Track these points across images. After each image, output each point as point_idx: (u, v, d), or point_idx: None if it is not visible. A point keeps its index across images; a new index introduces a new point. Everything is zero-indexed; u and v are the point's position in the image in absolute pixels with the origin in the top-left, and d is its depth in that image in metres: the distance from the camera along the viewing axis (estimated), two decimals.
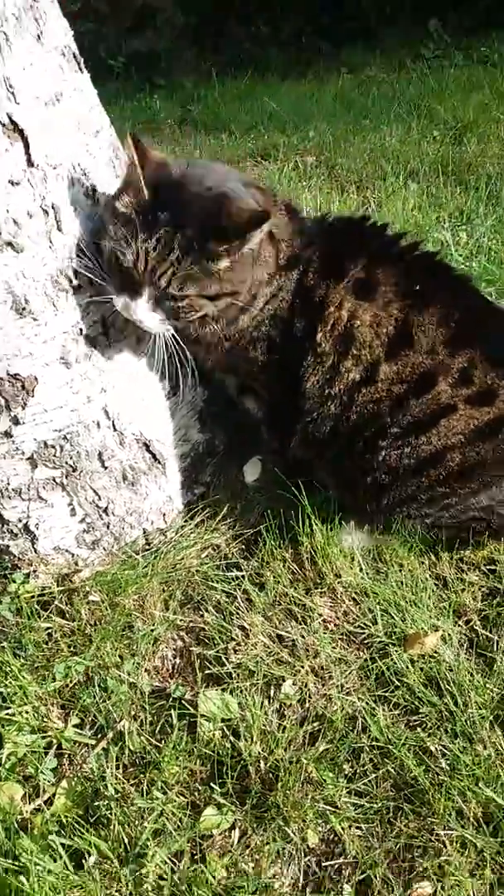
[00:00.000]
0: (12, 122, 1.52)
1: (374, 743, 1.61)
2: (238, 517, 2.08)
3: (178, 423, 2.07)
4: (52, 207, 1.64)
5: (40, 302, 1.67)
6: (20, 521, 1.91)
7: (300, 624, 1.83)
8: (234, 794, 1.58)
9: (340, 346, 1.74)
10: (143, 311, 1.62)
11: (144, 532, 2.05)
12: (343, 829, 1.52)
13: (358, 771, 1.59)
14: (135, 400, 1.93)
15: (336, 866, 1.49)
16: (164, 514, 2.08)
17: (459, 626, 1.80)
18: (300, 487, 1.92)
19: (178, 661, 1.85)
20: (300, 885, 1.49)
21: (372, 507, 1.84)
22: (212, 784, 1.59)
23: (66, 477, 1.88)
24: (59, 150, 1.64)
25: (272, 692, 1.73)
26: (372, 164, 4.19)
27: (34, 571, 1.99)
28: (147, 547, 2.05)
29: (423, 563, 1.91)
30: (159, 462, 2.02)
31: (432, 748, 1.58)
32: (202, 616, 1.88)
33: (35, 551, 1.97)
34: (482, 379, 1.70)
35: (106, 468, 1.91)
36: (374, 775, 1.57)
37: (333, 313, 1.74)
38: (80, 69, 1.75)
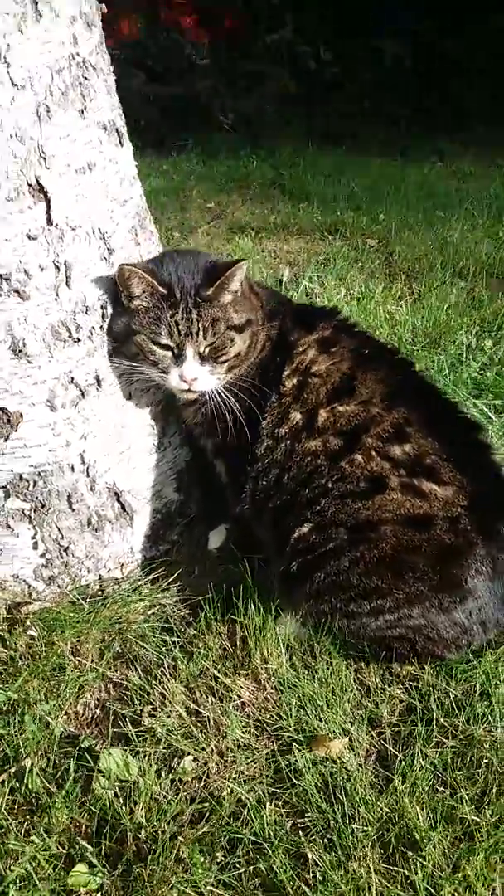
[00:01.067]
0: (39, 184, 1.66)
1: (253, 837, 1.61)
2: (192, 582, 2.13)
3: (156, 479, 2.15)
4: (65, 264, 1.76)
5: (37, 347, 1.78)
6: None
7: (218, 701, 1.85)
8: (109, 856, 1.59)
9: (296, 389, 1.93)
10: (195, 368, 1.86)
11: (100, 578, 2.12)
12: None
13: (231, 862, 1.58)
14: (116, 450, 2.03)
15: None
16: (123, 565, 2.14)
17: (371, 736, 1.79)
18: (249, 564, 1.96)
19: (98, 711, 1.89)
20: None
21: (308, 585, 1.86)
22: (91, 841, 1.61)
23: (35, 511, 1.96)
24: (82, 214, 1.77)
25: (174, 763, 1.75)
26: (428, 256, 4.27)
27: None
28: (100, 593, 2.11)
29: (350, 665, 1.92)
30: (128, 513, 2.10)
31: (309, 856, 1.57)
32: (130, 673, 1.92)
33: None
34: (416, 441, 1.82)
35: (73, 510, 2.00)
36: (244, 870, 1.57)
37: (300, 354, 1.95)
38: (121, 143, 1.89)
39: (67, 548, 2.04)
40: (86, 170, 1.76)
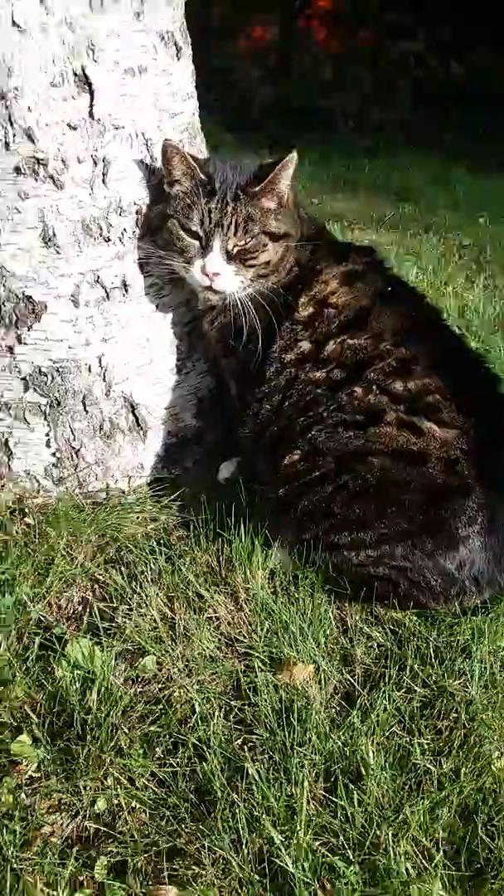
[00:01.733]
0: (84, 75, 1.71)
1: (198, 743, 1.57)
2: (196, 505, 2.11)
3: (175, 401, 2.15)
4: (103, 160, 1.80)
5: (67, 239, 1.83)
6: (2, 435, 2.06)
7: (194, 613, 1.82)
8: (54, 735, 1.60)
9: (310, 317, 1.88)
10: (219, 262, 1.81)
11: (108, 487, 2.14)
12: (129, 806, 1.49)
13: (169, 762, 1.55)
14: (136, 361, 2.05)
15: (105, 835, 1.46)
16: (130, 478, 2.15)
17: (342, 673, 1.72)
18: (251, 492, 1.93)
19: (79, 608, 1.90)
20: (69, 843, 1.47)
21: (292, 513, 1.82)
22: (42, 719, 1.61)
23: (51, 407, 2.01)
24: (127, 115, 1.81)
25: (137, 662, 1.73)
26: None
27: (2, 486, 2.12)
28: (105, 501, 2.13)
29: (333, 602, 1.85)
30: (141, 427, 2.11)
31: (249, 770, 1.52)
32: (115, 574, 1.92)
33: (9, 468, 2.11)
34: (420, 379, 1.76)
35: (87, 413, 2.03)
36: (181, 770, 1.53)
37: (320, 283, 1.90)
38: (178, 57, 1.92)
39: (78, 450, 2.07)
40: (136, 72, 1.81)
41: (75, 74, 1.71)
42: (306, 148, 7.50)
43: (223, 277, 1.82)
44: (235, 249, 1.81)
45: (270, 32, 8.55)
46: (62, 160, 1.76)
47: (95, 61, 1.72)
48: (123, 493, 2.15)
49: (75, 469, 2.09)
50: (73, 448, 2.06)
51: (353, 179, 6.29)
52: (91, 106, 1.75)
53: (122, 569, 1.94)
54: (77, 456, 2.08)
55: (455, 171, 6.51)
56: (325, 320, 1.87)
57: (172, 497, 2.14)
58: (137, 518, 2.09)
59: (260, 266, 1.85)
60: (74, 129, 1.75)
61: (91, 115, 1.75)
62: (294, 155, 1.81)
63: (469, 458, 1.71)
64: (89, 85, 1.73)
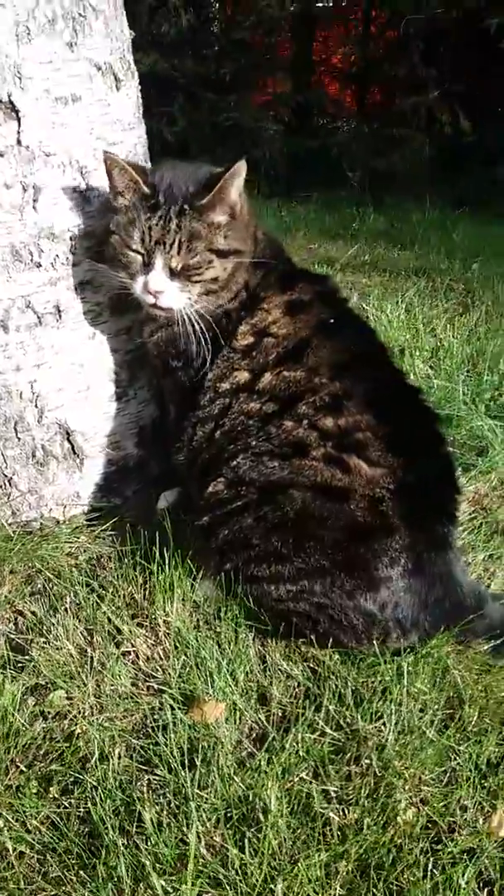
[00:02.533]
0: (10, 101, 1.72)
1: (98, 785, 1.49)
2: (131, 537, 2.06)
3: (115, 428, 2.12)
4: (33, 187, 1.80)
5: None
6: None
7: (113, 647, 1.75)
8: None
9: (248, 347, 1.82)
10: (161, 280, 1.74)
11: (41, 516, 2.10)
12: (17, 851, 1.41)
13: (65, 802, 1.48)
14: (72, 388, 2.02)
15: None
16: (65, 507, 2.11)
17: (257, 712, 1.64)
18: (179, 522, 1.88)
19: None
20: None
21: (213, 541, 1.76)
22: None
23: None
24: (59, 143, 1.81)
25: (45, 696, 1.67)
26: None
27: None
28: (39, 532, 2.08)
29: (256, 637, 1.77)
30: (77, 455, 2.07)
31: (145, 815, 1.43)
32: (37, 607, 1.87)
33: None
34: (352, 416, 1.69)
35: (19, 439, 2.00)
36: (75, 812, 1.46)
37: (263, 311, 1.84)
38: (118, 88, 1.93)
39: (10, 478, 2.04)
40: (68, 101, 1.81)
41: (1, 102, 1.72)
42: (314, 197, 7.67)
43: (167, 294, 1.75)
44: (179, 266, 1.74)
45: (283, 86, 8.76)
46: None
47: (22, 89, 1.73)
48: (58, 522, 2.11)
49: (8, 497, 2.05)
50: (6, 476, 2.03)
51: (356, 228, 6.32)
52: (19, 133, 1.75)
53: (45, 601, 1.89)
54: (10, 484, 2.04)
55: (459, 219, 6.52)
56: (263, 351, 1.81)
57: (105, 527, 2.09)
58: (68, 548, 2.03)
59: (207, 282, 1.78)
60: (1, 155, 1.75)
61: (19, 142, 1.76)
62: (242, 162, 1.72)
63: (395, 497, 1.64)
64: (16, 112, 1.73)
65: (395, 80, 8.36)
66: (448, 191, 7.77)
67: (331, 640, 1.68)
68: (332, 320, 1.85)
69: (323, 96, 9.07)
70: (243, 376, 1.81)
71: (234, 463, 1.74)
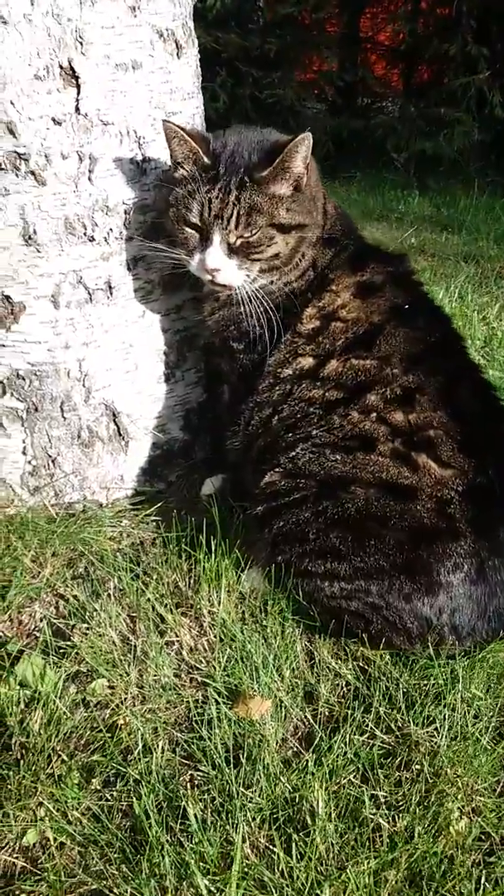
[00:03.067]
0: (71, 68, 1.65)
1: (139, 776, 1.45)
2: (175, 522, 2.01)
3: (162, 411, 2.07)
4: (90, 157, 1.74)
5: (48, 237, 1.77)
6: None
7: (157, 636, 1.71)
8: None
9: (314, 331, 1.74)
10: (219, 258, 1.67)
11: (84, 498, 2.05)
12: (58, 842, 1.38)
13: (107, 794, 1.44)
14: (120, 368, 1.97)
15: (31, 873, 1.34)
16: (108, 490, 2.07)
17: (303, 710, 1.59)
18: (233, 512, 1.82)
19: (41, 624, 1.81)
20: None
21: (267, 532, 1.70)
22: None
23: (28, 413, 1.94)
24: (117, 111, 1.75)
25: (88, 684, 1.63)
26: None
27: None
28: (82, 514, 2.04)
29: (303, 633, 1.72)
30: (122, 438, 2.02)
31: (189, 811, 1.39)
32: (79, 591, 1.83)
33: None
34: (424, 411, 1.61)
35: (65, 419, 1.95)
36: (118, 806, 1.42)
37: (331, 293, 1.75)
38: (178, 55, 1.85)
39: (55, 459, 1.99)
40: (128, 68, 1.75)
41: (61, 67, 1.66)
42: (357, 178, 7.52)
43: (224, 272, 1.68)
44: (238, 242, 1.67)
45: (328, 64, 8.56)
46: (45, 156, 1.70)
47: (83, 54, 1.66)
48: (101, 505, 2.06)
49: (51, 478, 2.01)
50: (50, 456, 1.99)
51: (402, 210, 6.19)
52: (77, 100, 1.69)
53: (87, 585, 1.85)
54: (54, 465, 2.00)
55: None
56: (330, 336, 1.73)
57: (149, 512, 2.04)
58: (111, 532, 1.99)
59: (269, 259, 1.70)
60: (59, 123, 1.69)
61: (77, 109, 1.70)
62: (308, 134, 1.63)
63: (464, 500, 1.56)
64: (76, 78, 1.67)
65: (444, 58, 8.11)
66: (498, 176, 7.58)
67: (383, 641, 1.62)
68: (406, 306, 1.75)
69: (369, 75, 8.85)
70: (307, 362, 1.74)
71: (293, 453, 1.67)
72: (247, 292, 1.71)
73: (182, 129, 1.67)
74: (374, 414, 1.63)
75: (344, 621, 1.63)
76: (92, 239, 1.81)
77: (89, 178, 1.76)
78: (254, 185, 1.64)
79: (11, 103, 1.64)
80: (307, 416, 1.70)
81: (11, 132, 1.66)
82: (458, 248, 4.84)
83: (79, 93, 1.68)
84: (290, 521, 1.64)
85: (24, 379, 1.90)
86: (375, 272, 1.78)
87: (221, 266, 1.67)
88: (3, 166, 1.68)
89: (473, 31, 7.64)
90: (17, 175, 1.70)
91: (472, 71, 7.80)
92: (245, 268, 1.69)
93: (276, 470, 1.70)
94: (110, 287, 1.87)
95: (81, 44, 1.65)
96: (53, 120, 1.68)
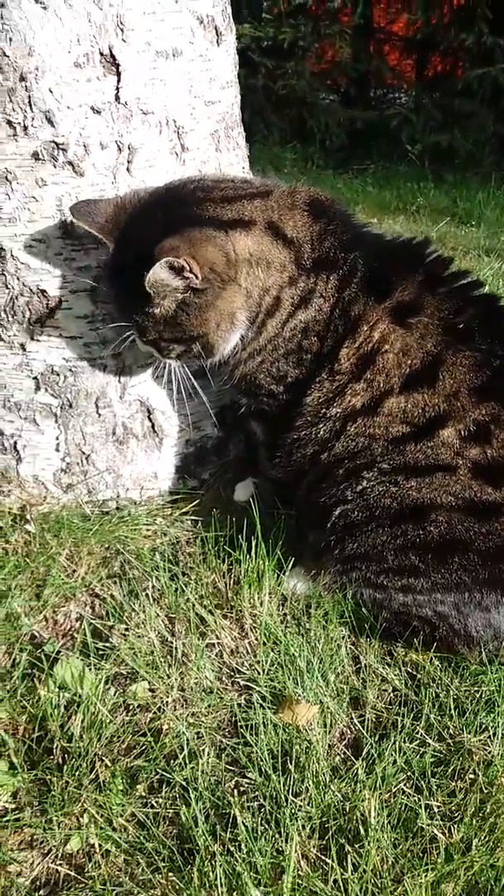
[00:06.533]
0: (112, 55, 1.60)
1: (185, 783, 1.42)
2: (211, 522, 1.97)
3: (195, 409, 2.02)
4: (129, 147, 1.69)
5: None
6: (12, 437, 1.95)
7: (197, 638, 1.67)
8: (33, 762, 1.46)
9: (358, 368, 1.60)
10: (142, 346, 1.71)
11: (118, 496, 2.01)
12: (103, 849, 1.35)
13: (151, 801, 1.41)
14: (154, 363, 1.92)
15: (75, 881, 1.31)
16: (142, 488, 2.02)
17: (350, 717, 1.55)
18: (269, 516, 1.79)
19: (76, 624, 1.78)
20: (37, 885, 1.34)
21: (332, 554, 1.66)
22: (22, 743, 1.48)
23: (62, 409, 1.90)
24: (157, 100, 1.70)
25: (128, 687, 1.59)
26: None
27: (9, 491, 2.02)
28: (115, 511, 2.00)
29: (347, 637, 1.68)
30: (157, 434, 1.98)
31: (238, 818, 1.35)
32: (116, 590, 1.79)
33: (17, 473, 2.00)
34: (500, 441, 1.50)
35: (100, 416, 1.91)
36: (164, 813, 1.39)
37: (365, 331, 1.60)
38: (218, 43, 1.80)
39: (89, 455, 1.95)
40: (169, 55, 1.70)
41: (101, 55, 1.61)
42: (371, 170, 7.45)
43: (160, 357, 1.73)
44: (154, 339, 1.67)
45: (341, 54, 8.48)
46: (84, 145, 1.66)
47: (124, 41, 1.61)
48: (135, 503, 2.03)
49: (85, 476, 1.97)
50: (84, 453, 1.95)
51: (417, 203, 6.12)
52: (118, 89, 1.64)
53: (124, 585, 1.81)
54: (87, 461, 1.96)
55: None
56: (381, 371, 1.57)
57: (184, 511, 2.00)
58: (146, 531, 1.95)
59: (179, 354, 1.70)
60: (98, 112, 1.64)
61: (117, 98, 1.65)
62: (165, 261, 1.47)
63: None
64: (116, 66, 1.62)
65: (459, 49, 8.03)
66: None
67: (445, 647, 1.59)
68: (461, 325, 1.57)
69: (383, 65, 8.76)
70: (357, 401, 1.59)
71: (360, 488, 1.58)
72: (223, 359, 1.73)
73: (82, 212, 1.62)
74: (450, 451, 1.52)
75: (410, 626, 1.61)
76: None
77: (128, 169, 1.72)
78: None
79: (50, 91, 1.59)
80: (369, 451, 1.58)
81: (49, 121, 1.61)
82: (478, 242, 4.77)
83: (119, 81, 1.64)
84: (364, 542, 1.59)
85: (58, 375, 1.86)
86: (403, 290, 1.60)
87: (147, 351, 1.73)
88: (40, 156, 1.64)
89: (489, 21, 7.54)
90: (54, 166, 1.65)
91: (487, 62, 7.72)
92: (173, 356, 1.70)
93: (346, 505, 1.61)
94: None
95: (122, 30, 1.60)
96: (93, 109, 1.64)
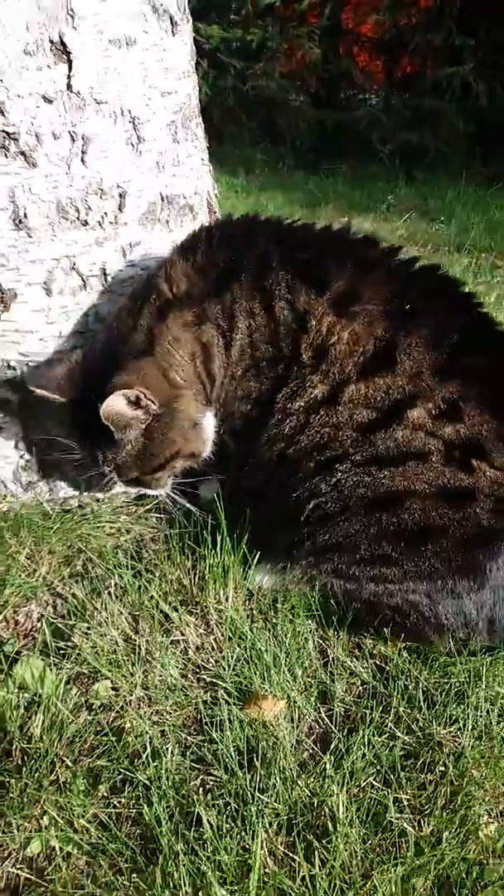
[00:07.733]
0: (62, 42, 1.57)
1: (148, 782, 1.38)
2: (175, 519, 1.94)
3: None
4: (82, 137, 1.66)
5: (39, 221, 1.69)
6: None
7: (161, 635, 1.64)
8: None
9: (315, 360, 1.58)
10: (130, 487, 1.81)
11: (80, 494, 1.97)
12: (64, 852, 1.30)
13: (115, 801, 1.37)
14: None
15: (36, 885, 1.27)
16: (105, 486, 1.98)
17: (318, 711, 1.52)
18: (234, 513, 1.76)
19: (38, 624, 1.73)
20: None
21: (303, 548, 1.63)
22: None
23: (21, 406, 1.86)
24: (110, 89, 1.67)
25: (90, 686, 1.55)
26: None
27: None
28: (78, 509, 1.97)
29: (315, 630, 1.65)
30: None
31: (203, 816, 1.32)
32: (77, 589, 1.75)
33: None
34: (472, 421, 1.49)
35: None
36: (127, 813, 1.35)
37: (314, 325, 1.58)
38: (173, 32, 1.77)
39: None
40: (122, 44, 1.67)
41: (52, 42, 1.57)
42: (342, 170, 7.46)
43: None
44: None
45: (311, 55, 8.49)
46: (35, 135, 1.62)
47: (75, 29, 1.58)
48: (98, 501, 1.99)
49: (45, 474, 1.93)
50: (44, 450, 1.91)
51: (388, 201, 6.14)
52: (69, 77, 1.61)
53: (87, 583, 1.77)
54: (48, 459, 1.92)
55: (496, 196, 6.31)
56: (336, 360, 1.56)
57: (148, 508, 1.97)
58: (110, 528, 1.92)
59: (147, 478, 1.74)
60: (50, 101, 1.61)
61: (69, 87, 1.62)
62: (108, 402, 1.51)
63: None
64: (68, 54, 1.59)
65: (428, 49, 8.08)
66: (483, 167, 7.55)
67: (415, 634, 1.57)
68: (407, 306, 1.57)
69: (352, 66, 8.79)
70: (317, 392, 1.58)
71: (335, 480, 1.56)
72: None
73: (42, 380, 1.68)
74: (422, 432, 1.50)
75: (380, 615, 1.58)
76: (85, 223, 1.73)
77: (82, 160, 1.68)
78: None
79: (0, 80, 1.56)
80: (336, 442, 1.57)
81: (0, 110, 1.57)
82: (449, 239, 4.79)
83: (70, 69, 1.60)
84: (337, 533, 1.57)
85: (15, 370, 1.82)
86: (338, 280, 1.59)
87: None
88: None
89: (457, 21, 7.60)
90: (5, 156, 1.62)
91: (456, 62, 7.77)
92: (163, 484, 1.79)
93: (320, 498, 1.58)
94: (105, 273, 1.80)
95: (73, 17, 1.57)
96: (44, 98, 1.60)
